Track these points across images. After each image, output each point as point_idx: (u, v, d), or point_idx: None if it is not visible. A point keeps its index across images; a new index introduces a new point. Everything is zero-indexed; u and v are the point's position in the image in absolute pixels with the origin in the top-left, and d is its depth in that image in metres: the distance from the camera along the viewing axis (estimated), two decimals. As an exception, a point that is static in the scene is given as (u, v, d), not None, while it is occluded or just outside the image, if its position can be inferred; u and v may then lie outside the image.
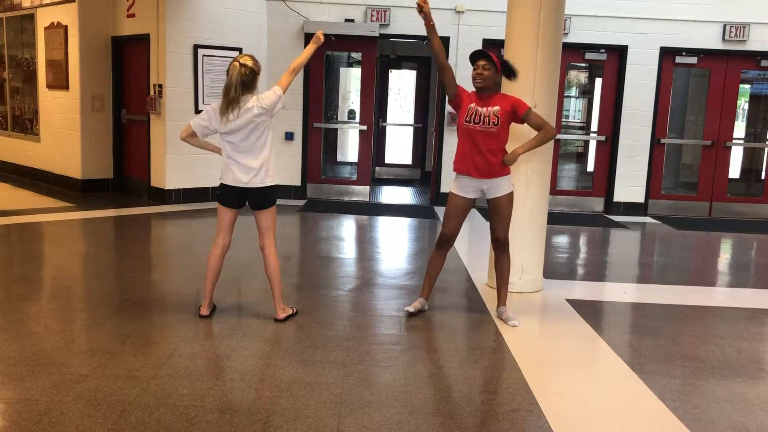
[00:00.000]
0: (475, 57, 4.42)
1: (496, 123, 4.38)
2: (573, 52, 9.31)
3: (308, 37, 9.31)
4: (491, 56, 4.38)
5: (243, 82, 4.12)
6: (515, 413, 3.29)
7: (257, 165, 4.24)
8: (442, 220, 4.68)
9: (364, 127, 9.80)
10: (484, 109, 4.40)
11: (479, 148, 4.41)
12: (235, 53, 8.80)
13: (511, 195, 4.56)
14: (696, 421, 3.28)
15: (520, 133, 4.96)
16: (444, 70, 4.50)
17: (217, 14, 8.70)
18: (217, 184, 4.45)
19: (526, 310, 4.94)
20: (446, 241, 4.67)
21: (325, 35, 4.46)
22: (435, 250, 4.74)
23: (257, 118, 4.18)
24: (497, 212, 4.56)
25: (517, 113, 4.43)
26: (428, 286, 4.78)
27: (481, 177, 4.46)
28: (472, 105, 4.43)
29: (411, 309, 4.66)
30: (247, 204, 4.35)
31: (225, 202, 4.37)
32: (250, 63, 4.15)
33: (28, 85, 10.41)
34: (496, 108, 4.40)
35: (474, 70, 4.40)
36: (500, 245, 4.65)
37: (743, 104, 10.89)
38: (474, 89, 4.49)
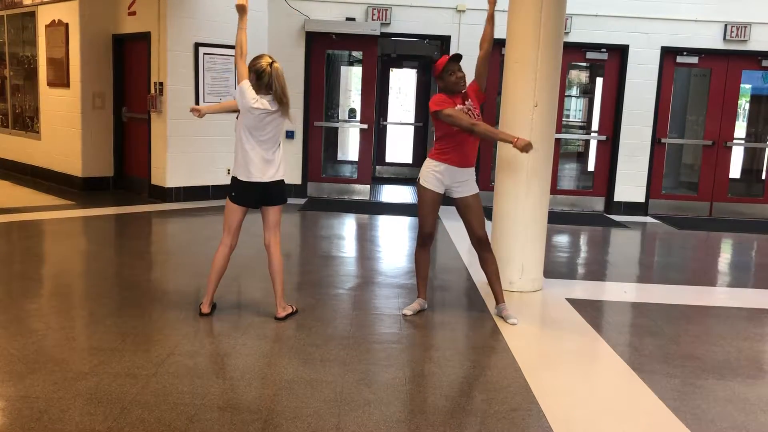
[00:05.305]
0: (449, 63, 4.53)
1: (479, 114, 4.59)
2: (574, 51, 9.29)
3: (309, 36, 9.34)
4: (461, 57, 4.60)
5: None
6: (515, 412, 3.29)
7: (274, 158, 4.33)
8: (418, 219, 4.72)
9: (365, 126, 9.79)
10: (466, 103, 4.56)
11: (472, 140, 4.53)
12: (236, 51, 8.80)
13: (479, 195, 4.65)
14: (696, 421, 3.28)
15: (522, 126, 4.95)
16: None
17: (217, 12, 8.69)
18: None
19: (527, 310, 4.95)
20: (428, 239, 4.71)
21: (327, 32, 4.65)
22: (419, 248, 4.76)
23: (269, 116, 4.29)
24: (471, 211, 4.61)
25: (474, 87, 4.62)
26: (423, 285, 4.79)
27: (465, 166, 4.55)
28: (458, 106, 4.52)
29: (408, 312, 4.67)
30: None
31: (238, 200, 4.38)
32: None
33: (28, 83, 10.40)
34: (470, 101, 4.57)
35: (454, 74, 4.50)
36: (483, 243, 4.66)
37: (744, 104, 10.88)
38: (453, 92, 4.56)
